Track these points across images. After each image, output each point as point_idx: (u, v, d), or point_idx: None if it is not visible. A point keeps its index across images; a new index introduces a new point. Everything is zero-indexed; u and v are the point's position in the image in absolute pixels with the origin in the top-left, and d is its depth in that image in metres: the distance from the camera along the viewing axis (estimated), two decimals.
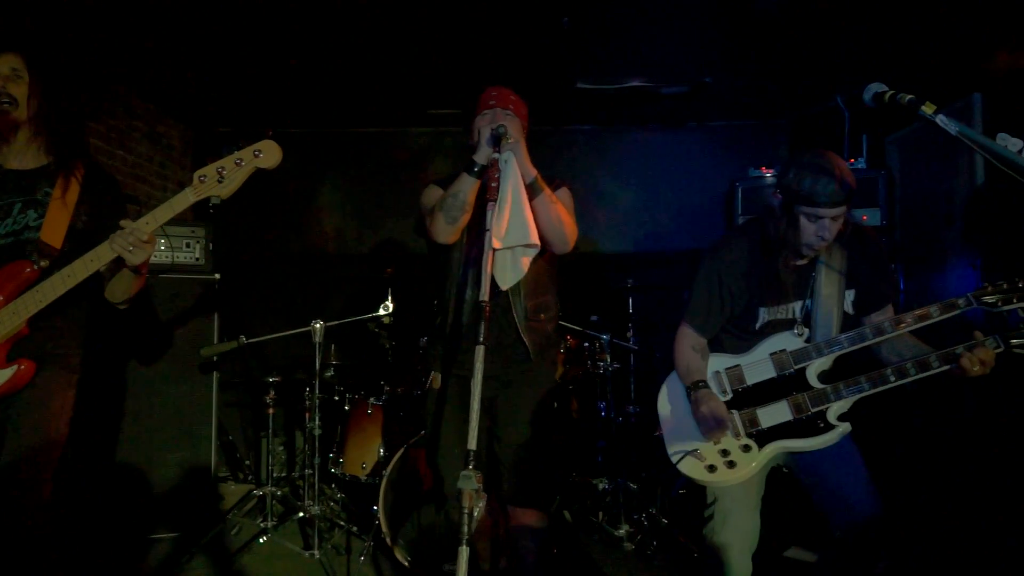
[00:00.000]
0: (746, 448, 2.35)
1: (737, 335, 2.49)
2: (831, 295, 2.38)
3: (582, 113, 5.33)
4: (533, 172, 2.46)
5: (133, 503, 3.82)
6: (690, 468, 2.38)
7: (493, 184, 2.25)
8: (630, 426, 4.16)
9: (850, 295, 2.41)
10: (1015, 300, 2.15)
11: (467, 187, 2.41)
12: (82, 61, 4.27)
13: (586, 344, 4.10)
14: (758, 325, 2.44)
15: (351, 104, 5.14)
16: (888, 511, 2.28)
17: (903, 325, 2.26)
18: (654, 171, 5.48)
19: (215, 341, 4.04)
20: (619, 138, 5.54)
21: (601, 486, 4.14)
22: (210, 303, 4.08)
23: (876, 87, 1.78)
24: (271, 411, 4.13)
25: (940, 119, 1.62)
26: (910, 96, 1.68)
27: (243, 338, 3.74)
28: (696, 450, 2.38)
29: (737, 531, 2.40)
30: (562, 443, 4.01)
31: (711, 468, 2.36)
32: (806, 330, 2.38)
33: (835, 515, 2.33)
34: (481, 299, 2.13)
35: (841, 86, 4.33)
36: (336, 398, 4.21)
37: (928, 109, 1.64)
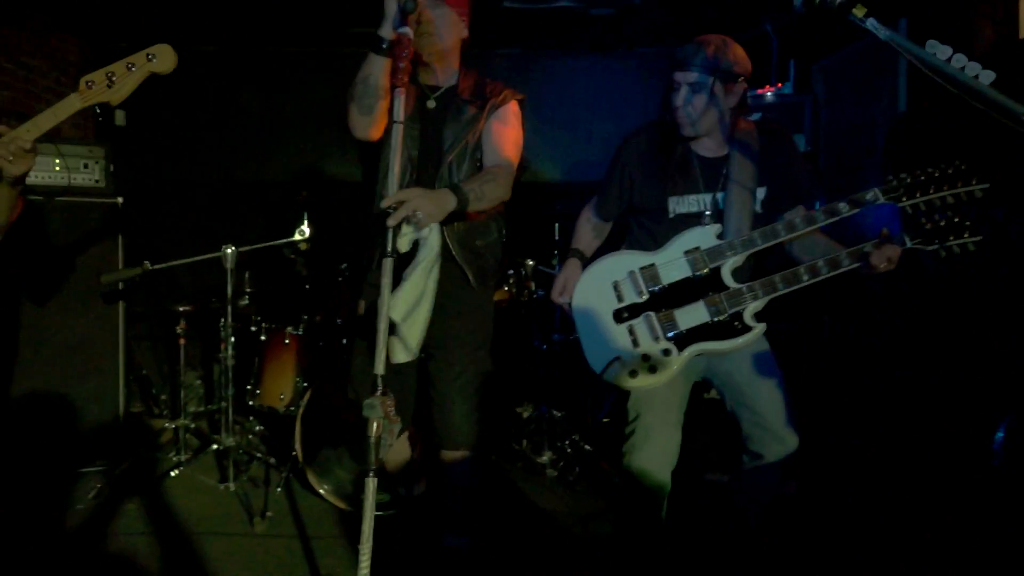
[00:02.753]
0: (666, 352, 2.33)
1: (649, 229, 2.43)
2: (742, 191, 2.34)
3: (508, 36, 5.14)
4: (451, 205, 2.23)
5: (34, 440, 3.61)
6: (610, 374, 2.37)
7: (401, 64, 2.07)
8: (555, 353, 4.14)
9: (761, 192, 2.38)
10: (917, 194, 2.15)
11: (376, 69, 2.22)
12: None
13: (511, 271, 4.03)
14: (670, 215, 2.39)
15: (267, 21, 4.84)
16: (803, 435, 2.32)
17: (814, 222, 2.25)
18: (582, 99, 5.36)
19: (120, 268, 3.81)
20: (546, 64, 5.38)
21: (526, 414, 4.13)
22: (113, 228, 3.83)
23: None
24: (182, 342, 3.96)
25: (871, 23, 1.56)
26: None
27: (147, 264, 3.53)
28: (618, 358, 2.35)
29: (656, 447, 2.41)
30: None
31: (632, 373, 2.35)
32: (718, 226, 2.33)
33: (752, 437, 2.36)
34: (381, 206, 2.07)
35: (770, 12, 4.28)
36: (253, 328, 4.06)
37: (859, 12, 1.57)
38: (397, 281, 2.15)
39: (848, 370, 4.01)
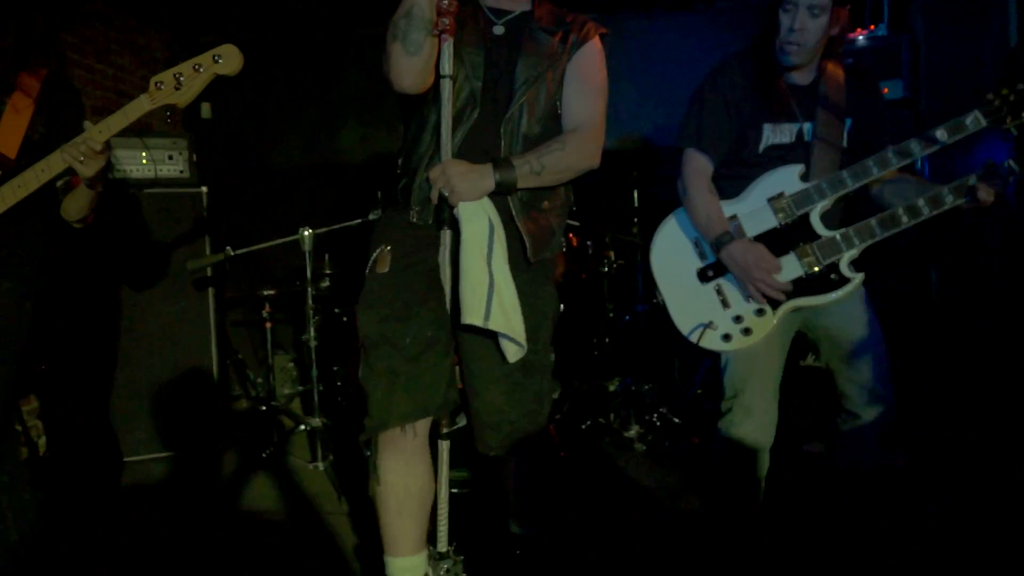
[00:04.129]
0: (759, 311, 2.17)
1: (734, 169, 2.25)
2: (831, 119, 2.16)
3: (583, 2, 4.97)
4: (488, 186, 1.87)
5: (134, 426, 3.77)
6: (702, 339, 2.22)
7: (445, 3, 1.77)
8: (639, 326, 4.01)
9: (847, 123, 2.21)
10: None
11: (420, 1, 1.76)
12: None
13: (588, 242, 3.92)
14: (762, 147, 2.20)
15: (338, 4, 4.86)
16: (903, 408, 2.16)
17: (909, 154, 2.06)
18: (659, 60, 5.14)
19: (206, 255, 3.91)
20: (621, 25, 5.18)
21: (612, 387, 4.03)
22: (199, 216, 3.93)
23: None
24: (268, 325, 4.04)
25: None
26: None
27: (229, 250, 3.61)
28: (710, 322, 2.21)
29: (756, 426, 2.27)
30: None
31: (726, 337, 2.20)
32: (801, 166, 2.16)
33: (848, 395, 2.21)
34: (427, 176, 1.88)
35: None
36: (336, 309, 4.10)
37: None
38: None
39: (960, 330, 3.72)
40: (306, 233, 3.51)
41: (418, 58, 1.79)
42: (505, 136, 1.93)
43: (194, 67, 1.95)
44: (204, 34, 5.32)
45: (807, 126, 2.18)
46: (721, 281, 2.22)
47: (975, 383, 3.53)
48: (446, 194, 1.84)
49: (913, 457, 3.20)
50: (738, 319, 2.19)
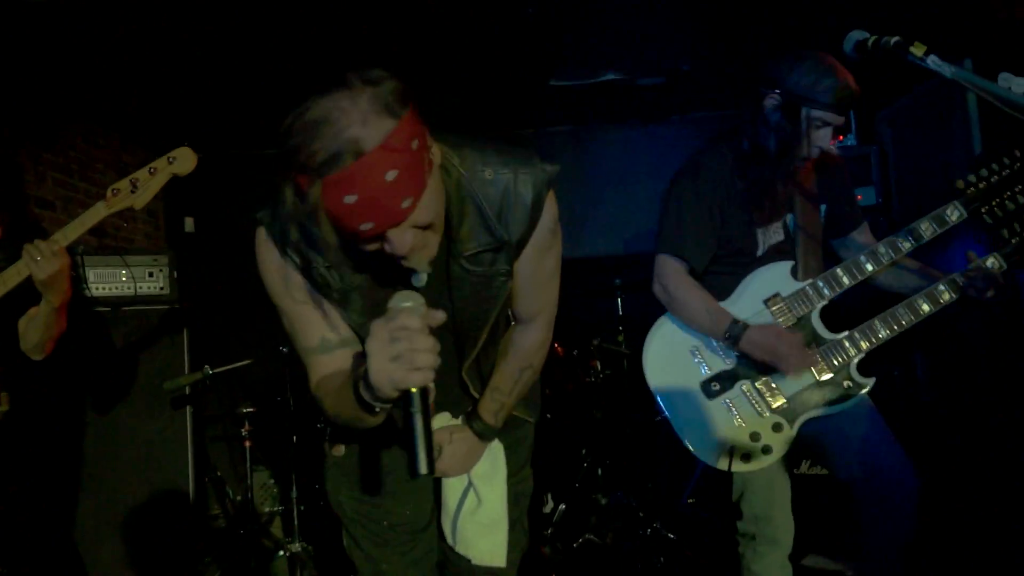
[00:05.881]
0: (776, 427, 2.05)
1: (728, 267, 2.15)
2: (809, 209, 2.12)
3: (559, 114, 5.13)
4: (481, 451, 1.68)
5: (104, 550, 3.59)
6: (721, 461, 2.07)
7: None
8: (628, 435, 3.94)
9: (822, 209, 2.19)
10: (1001, 197, 1.99)
11: (374, 422, 1.37)
12: (35, 95, 4.12)
13: (575, 351, 3.89)
14: (760, 251, 2.12)
15: None
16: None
17: (899, 250, 2.06)
18: (638, 168, 5.28)
19: (186, 373, 3.83)
20: (599, 137, 5.35)
21: (603, 501, 3.92)
22: (178, 333, 3.87)
23: (857, 35, 1.58)
24: (248, 444, 3.93)
25: (932, 60, 1.42)
26: (896, 38, 1.48)
27: (208, 368, 3.54)
28: (730, 445, 2.05)
29: (783, 552, 2.15)
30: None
31: (745, 457, 2.05)
32: (790, 262, 2.09)
33: (863, 485, 2.02)
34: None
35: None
36: (319, 425, 3.99)
37: (918, 50, 1.43)
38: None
39: (951, 414, 3.68)
40: (285, 350, 3.46)
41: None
42: (471, 381, 1.64)
43: (150, 171, 2.04)
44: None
45: (789, 217, 2.14)
46: (730, 396, 2.10)
47: (964, 468, 3.47)
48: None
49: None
50: (755, 436, 2.07)
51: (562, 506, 3.85)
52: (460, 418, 1.69)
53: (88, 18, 3.39)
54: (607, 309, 4.15)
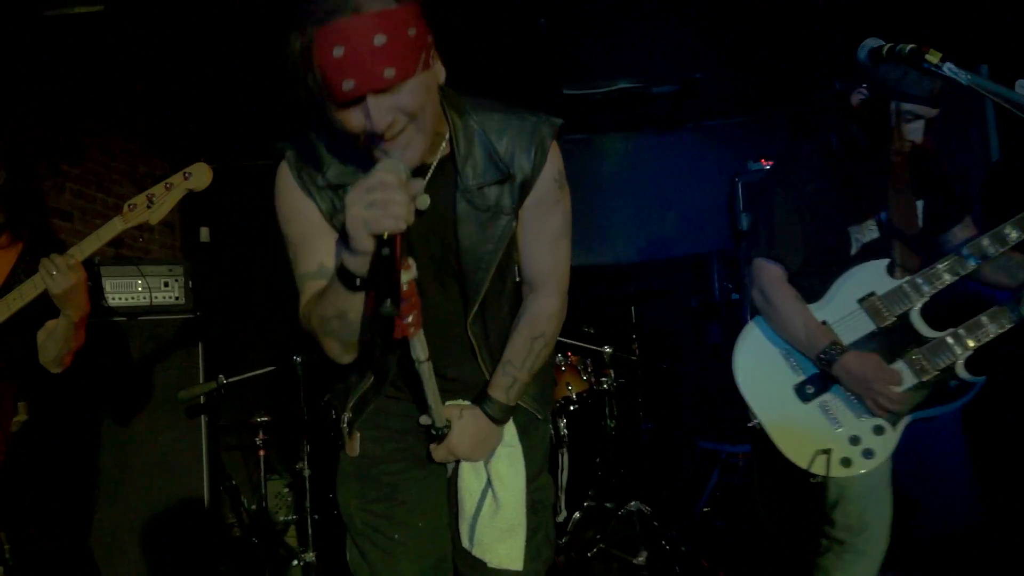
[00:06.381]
0: (878, 429, 1.96)
1: (819, 268, 2.06)
2: (905, 204, 2.02)
3: (573, 122, 5.10)
4: (497, 436, 1.65)
5: (120, 560, 3.60)
6: (821, 466, 1.98)
7: (408, 319, 1.40)
8: (642, 444, 3.92)
9: (919, 205, 2.08)
10: None
11: (354, 304, 1.38)
12: (53, 106, 4.16)
13: (588, 360, 3.88)
14: (854, 251, 2.04)
15: None
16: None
17: (1005, 242, 1.93)
18: (652, 176, 5.28)
19: (200, 382, 3.85)
20: (613, 145, 5.35)
21: (618, 510, 3.89)
22: (193, 343, 3.89)
23: (872, 42, 1.57)
24: (262, 453, 3.94)
25: (948, 67, 1.41)
26: (911, 45, 1.47)
27: (222, 378, 3.55)
28: (827, 449, 1.96)
29: (871, 567, 2.04)
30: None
31: (846, 462, 1.96)
32: (885, 260, 2.00)
33: (932, 512, 2.06)
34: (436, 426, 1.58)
35: (838, 70, 4.12)
36: (332, 434, 4.00)
37: (933, 57, 1.42)
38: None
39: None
40: (299, 360, 3.47)
41: (354, 347, 1.50)
42: (476, 341, 1.63)
43: (166, 186, 2.05)
44: (206, 159, 5.45)
45: (883, 214, 2.06)
46: (826, 397, 2.01)
47: None
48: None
49: None
50: (855, 440, 1.97)
51: (576, 515, 3.83)
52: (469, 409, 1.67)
53: (105, 31, 3.43)
54: (621, 317, 4.14)
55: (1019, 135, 3.18)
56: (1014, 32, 3.49)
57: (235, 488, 4.77)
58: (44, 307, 2.10)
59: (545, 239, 1.61)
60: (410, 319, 1.40)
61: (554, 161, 1.54)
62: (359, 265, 1.30)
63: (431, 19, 1.33)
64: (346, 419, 1.70)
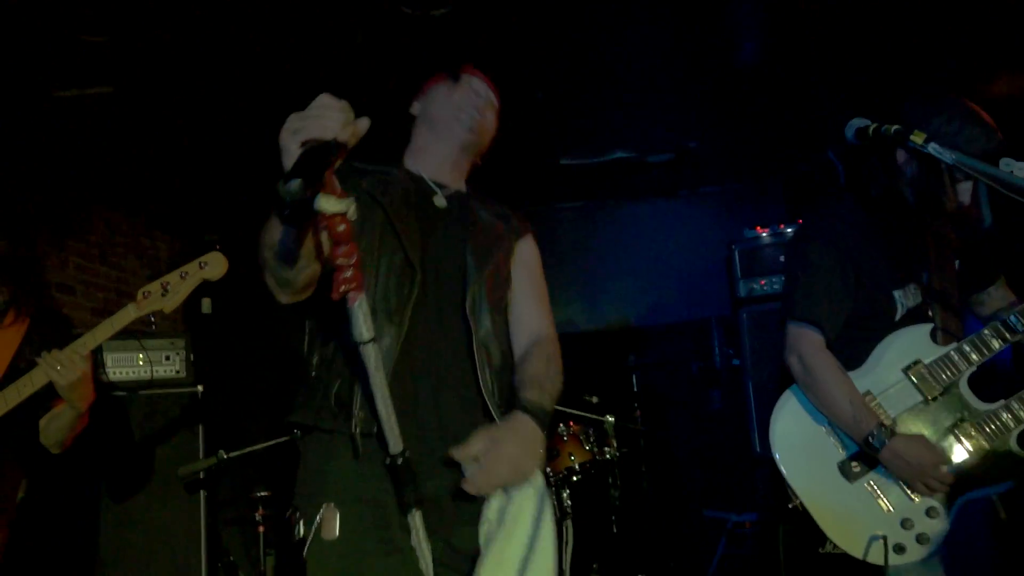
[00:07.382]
0: (931, 512, 1.83)
1: (862, 337, 1.94)
2: (944, 265, 1.94)
3: (569, 190, 5.22)
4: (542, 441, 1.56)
5: None
6: (878, 554, 1.83)
7: (343, 257, 1.27)
8: (647, 514, 3.86)
9: (957, 264, 2.01)
10: None
11: (287, 239, 1.36)
12: (57, 181, 4.23)
13: (591, 428, 3.85)
14: (899, 316, 1.91)
15: None
16: None
17: None
18: (649, 243, 5.32)
19: (201, 456, 3.82)
20: (610, 213, 5.41)
21: None
22: (193, 417, 3.87)
23: (858, 122, 1.62)
24: (261, 529, 3.87)
25: (932, 148, 1.45)
26: (896, 127, 1.51)
27: (223, 453, 3.52)
28: (873, 531, 1.83)
29: None
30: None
31: (899, 548, 1.81)
32: (929, 324, 1.89)
33: None
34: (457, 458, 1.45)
35: (831, 139, 4.21)
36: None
37: (918, 138, 1.46)
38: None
39: None
40: (300, 434, 3.43)
41: (291, 289, 1.50)
42: (474, 321, 1.62)
43: (181, 275, 2.07)
44: (207, 232, 5.52)
45: (924, 275, 1.96)
46: (872, 477, 1.87)
47: None
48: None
49: None
50: (907, 523, 1.83)
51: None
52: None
53: (109, 109, 3.51)
54: (622, 386, 4.13)
55: (1009, 209, 3.21)
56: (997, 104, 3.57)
57: (233, 565, 4.68)
58: (49, 390, 2.10)
59: (536, 293, 1.81)
60: (349, 274, 1.27)
61: (533, 241, 1.87)
62: (289, 189, 1.17)
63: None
64: (324, 505, 1.55)
